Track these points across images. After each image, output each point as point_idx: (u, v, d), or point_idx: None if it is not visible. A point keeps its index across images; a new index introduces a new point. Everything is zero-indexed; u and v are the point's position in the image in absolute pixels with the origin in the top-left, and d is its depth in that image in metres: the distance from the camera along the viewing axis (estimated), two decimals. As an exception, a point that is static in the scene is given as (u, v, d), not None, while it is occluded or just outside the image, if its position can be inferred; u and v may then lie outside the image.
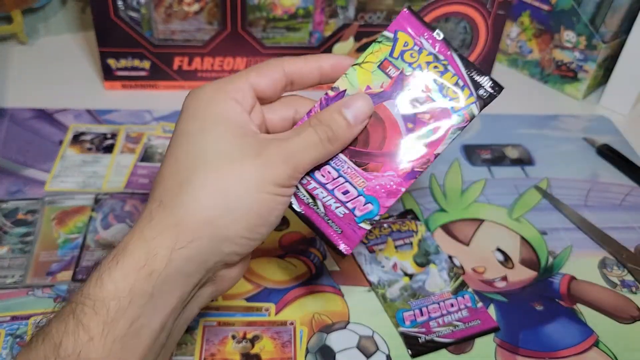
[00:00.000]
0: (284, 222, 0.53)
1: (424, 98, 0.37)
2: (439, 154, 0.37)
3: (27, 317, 0.44)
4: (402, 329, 0.45)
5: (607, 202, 0.59)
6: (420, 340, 0.45)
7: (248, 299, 0.47)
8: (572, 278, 0.51)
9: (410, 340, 0.45)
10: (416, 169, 0.37)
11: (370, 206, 0.37)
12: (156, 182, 0.35)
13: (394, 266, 0.50)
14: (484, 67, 0.72)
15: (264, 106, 0.38)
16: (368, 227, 0.37)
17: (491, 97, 0.37)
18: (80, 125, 0.62)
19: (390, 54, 0.38)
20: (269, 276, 0.49)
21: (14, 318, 0.44)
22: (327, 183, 0.37)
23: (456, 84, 0.37)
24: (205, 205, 0.32)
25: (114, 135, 0.61)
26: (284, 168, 0.34)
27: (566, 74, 0.74)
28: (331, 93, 0.38)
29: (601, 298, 0.49)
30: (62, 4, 0.75)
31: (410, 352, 0.44)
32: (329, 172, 0.37)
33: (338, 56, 0.39)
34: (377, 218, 0.37)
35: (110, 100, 0.66)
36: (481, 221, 0.55)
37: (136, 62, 0.66)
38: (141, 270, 0.31)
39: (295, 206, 0.37)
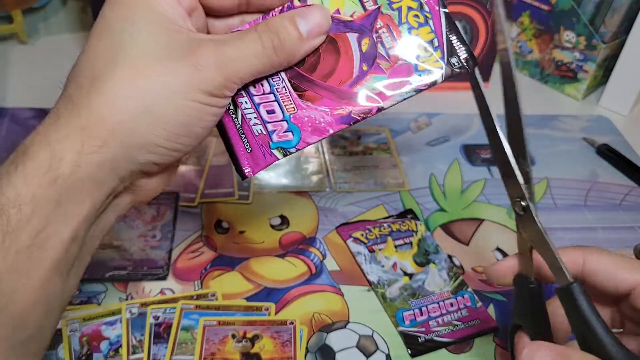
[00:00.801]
0: (284, 222, 0.53)
1: (391, 44, 0.34)
2: (383, 108, 0.34)
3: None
4: (401, 328, 0.45)
5: (607, 202, 0.59)
6: (419, 340, 0.45)
7: (248, 299, 0.47)
8: (572, 278, 0.51)
9: (409, 340, 0.45)
10: (353, 115, 0.34)
11: (290, 135, 0.34)
12: (69, 76, 0.31)
13: (394, 266, 0.50)
14: (484, 67, 0.72)
15: (209, 18, 0.34)
16: (280, 156, 0.34)
17: (461, 69, 0.34)
18: (81, 125, 0.62)
19: None
20: (269, 276, 0.49)
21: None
22: (255, 95, 0.34)
23: (430, 42, 0.34)
24: (118, 107, 0.29)
25: (114, 135, 0.61)
26: (216, 75, 0.30)
27: (566, 74, 0.74)
28: (297, 3, 0.33)
29: (600, 298, 0.49)
30: (62, 3, 0.75)
31: (409, 351, 0.44)
32: (261, 85, 0.34)
33: None
34: (293, 150, 0.34)
35: (111, 100, 0.66)
36: (481, 221, 0.55)
37: (136, 62, 0.66)
38: (45, 176, 0.28)
39: None
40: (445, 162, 0.62)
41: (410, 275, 0.49)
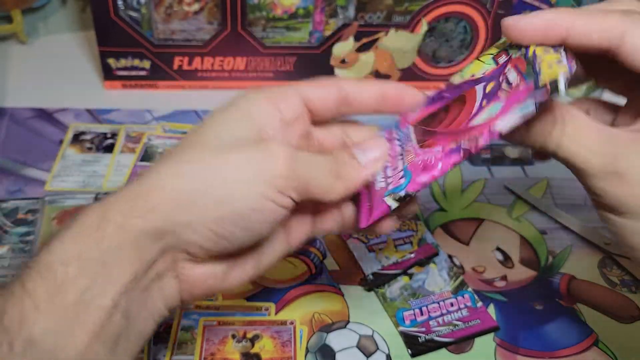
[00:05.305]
0: (284, 221, 0.53)
1: (515, 78, 0.31)
2: (495, 131, 0.31)
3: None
4: (402, 328, 0.45)
5: (607, 202, 0.59)
6: (420, 340, 0.45)
7: (248, 299, 0.47)
8: (572, 277, 0.51)
9: (410, 340, 0.45)
10: (463, 147, 0.32)
11: (402, 180, 0.34)
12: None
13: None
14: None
15: (317, 127, 0.37)
16: (391, 203, 0.34)
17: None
18: (80, 124, 0.62)
19: (525, 54, 0.31)
20: (269, 275, 0.49)
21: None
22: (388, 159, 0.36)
23: (558, 61, 0.30)
24: (177, 180, 0.30)
25: (114, 135, 0.61)
26: (286, 174, 0.31)
27: (566, 74, 0.74)
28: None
29: (601, 297, 0.49)
30: (62, 3, 0.75)
31: (410, 351, 0.44)
32: (395, 147, 0.36)
33: (405, 87, 0.36)
34: (402, 193, 0.33)
35: (110, 100, 0.66)
36: (481, 221, 0.55)
37: (136, 62, 0.66)
38: (92, 235, 0.29)
39: None
40: (445, 162, 0.61)
41: (411, 275, 0.49)
